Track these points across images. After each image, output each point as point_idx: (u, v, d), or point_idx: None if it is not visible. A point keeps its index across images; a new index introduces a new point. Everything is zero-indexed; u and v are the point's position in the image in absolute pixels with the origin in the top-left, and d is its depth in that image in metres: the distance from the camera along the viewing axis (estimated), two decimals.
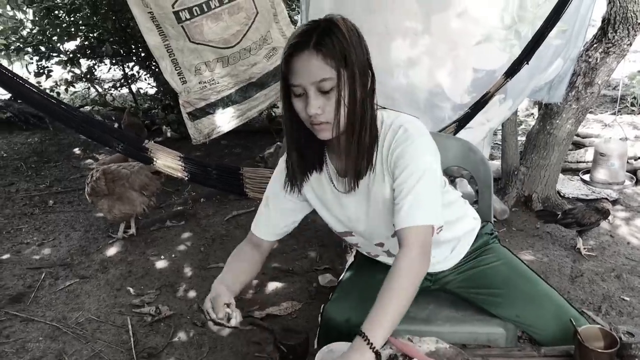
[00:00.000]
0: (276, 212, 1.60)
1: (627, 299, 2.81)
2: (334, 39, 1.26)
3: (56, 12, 5.31)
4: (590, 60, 3.36)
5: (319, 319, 1.68)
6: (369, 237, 1.60)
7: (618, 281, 2.96)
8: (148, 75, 6.09)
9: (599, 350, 1.33)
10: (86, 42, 5.72)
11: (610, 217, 3.28)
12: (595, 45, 3.34)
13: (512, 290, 1.64)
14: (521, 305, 1.62)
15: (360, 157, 1.39)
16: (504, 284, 1.67)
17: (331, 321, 1.62)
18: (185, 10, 2.64)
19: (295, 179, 1.50)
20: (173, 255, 3.36)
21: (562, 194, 3.99)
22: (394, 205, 1.38)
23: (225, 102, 2.93)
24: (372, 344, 1.21)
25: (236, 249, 1.62)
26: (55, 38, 5.41)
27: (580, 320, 1.53)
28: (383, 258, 1.70)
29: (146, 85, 6.50)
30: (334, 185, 1.51)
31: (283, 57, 1.30)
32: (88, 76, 6.16)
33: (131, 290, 3.00)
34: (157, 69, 5.29)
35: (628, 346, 1.38)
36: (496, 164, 4.19)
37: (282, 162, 1.56)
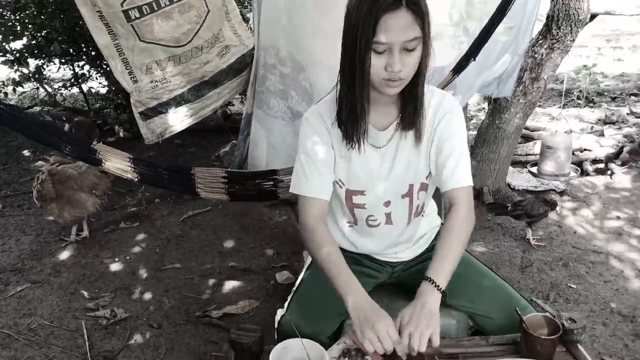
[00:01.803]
0: (324, 169, 1.57)
1: (574, 286, 2.91)
2: None
3: (0, 10, 5.15)
4: (536, 55, 3.46)
5: (276, 319, 1.67)
6: (380, 195, 1.62)
7: (565, 270, 3.07)
8: (99, 74, 5.96)
9: (543, 337, 1.39)
10: (33, 41, 5.57)
11: (557, 208, 3.40)
12: (540, 42, 3.44)
13: (465, 283, 1.68)
14: (472, 296, 1.67)
15: (422, 109, 1.49)
16: (457, 277, 1.70)
17: (286, 335, 1.54)
18: (135, 9, 2.60)
19: (359, 132, 1.50)
20: (128, 257, 3.32)
21: (512, 187, 4.10)
22: (441, 166, 1.52)
23: (178, 101, 2.90)
24: (438, 285, 1.38)
25: (319, 242, 1.52)
26: (0, 37, 5.24)
27: (528, 309, 1.58)
28: (377, 230, 1.70)
29: (97, 84, 6.36)
30: (366, 140, 1.54)
31: (371, 13, 1.29)
32: (37, 76, 6.00)
33: (85, 293, 2.95)
34: (108, 68, 5.18)
35: (570, 332, 1.45)
36: None
37: (309, 119, 1.57)
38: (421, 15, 1.32)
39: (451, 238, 1.47)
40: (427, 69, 1.42)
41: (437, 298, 1.37)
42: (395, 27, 1.30)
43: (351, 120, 1.48)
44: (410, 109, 1.48)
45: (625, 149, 4.41)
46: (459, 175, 1.51)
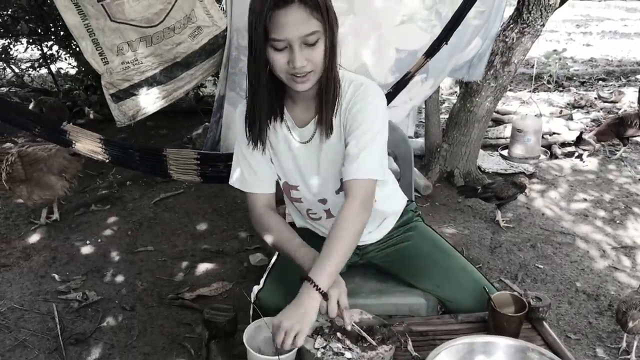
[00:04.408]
0: (260, 165, 1.57)
1: (541, 266, 2.99)
2: None
3: None
4: (507, 40, 3.50)
5: (251, 299, 1.68)
6: (314, 192, 1.61)
7: (533, 250, 3.14)
8: (68, 54, 5.84)
9: (510, 315, 1.43)
10: None
11: (526, 191, 3.47)
12: (511, 26, 3.48)
13: (432, 265, 1.72)
14: (440, 278, 1.70)
15: (334, 104, 1.45)
16: (425, 259, 1.74)
17: (263, 309, 1.56)
18: None
19: (261, 132, 1.49)
20: (99, 240, 3.29)
21: (482, 169, 4.16)
22: (345, 156, 1.45)
23: (150, 82, 2.87)
24: (318, 286, 1.31)
25: (268, 227, 1.54)
26: None
27: (493, 291, 1.62)
28: (321, 223, 1.71)
29: (67, 65, 6.24)
30: (291, 135, 1.54)
31: (262, 11, 1.27)
32: (3, 56, 5.86)
33: (56, 276, 2.92)
34: (77, 49, 5.07)
35: (536, 310, 1.49)
36: (420, 141, 4.31)
37: (242, 117, 1.53)
38: (318, 8, 1.29)
39: (339, 235, 1.38)
40: (337, 61, 1.39)
41: (316, 298, 1.31)
42: (289, 23, 1.27)
43: (251, 120, 1.48)
44: (322, 105, 1.45)
45: (584, 135, 4.48)
46: (359, 166, 1.42)
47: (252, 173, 1.57)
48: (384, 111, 1.48)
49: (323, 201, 1.63)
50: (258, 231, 1.58)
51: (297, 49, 1.30)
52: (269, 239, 1.54)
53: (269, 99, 1.45)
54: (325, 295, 1.32)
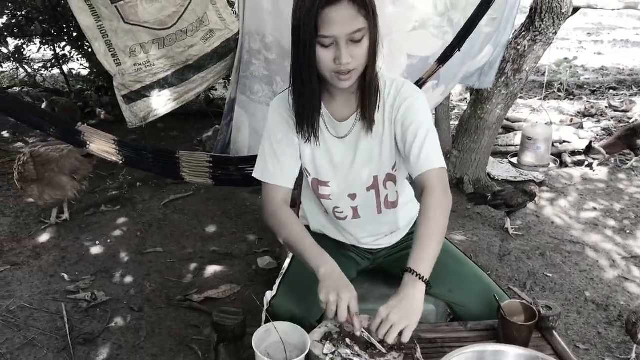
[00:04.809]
0: (286, 157, 1.58)
1: (550, 275, 2.98)
2: None
3: None
4: (518, 47, 3.49)
5: (264, 305, 1.67)
6: (344, 187, 1.63)
7: (542, 259, 3.13)
8: (80, 55, 5.89)
9: (520, 323, 1.43)
10: (13, 20, 5.47)
11: (536, 199, 3.46)
12: (523, 34, 3.48)
13: (445, 270, 1.71)
14: (453, 283, 1.70)
15: (376, 100, 1.49)
16: (437, 264, 1.73)
17: (276, 316, 1.56)
18: None
19: (314, 124, 1.52)
20: (108, 241, 3.31)
21: (492, 177, 4.15)
22: (408, 151, 1.49)
23: (162, 84, 2.88)
24: (421, 275, 1.34)
25: (283, 222, 1.54)
26: None
27: (504, 298, 1.62)
28: (345, 223, 1.72)
29: (79, 65, 6.29)
30: (328, 130, 1.57)
31: (312, 9, 1.30)
32: (16, 56, 5.91)
33: (65, 276, 2.94)
34: (89, 49, 5.11)
35: (546, 319, 1.49)
36: None
37: (276, 110, 1.58)
38: (365, 6, 1.32)
39: (429, 224, 1.41)
40: (377, 58, 1.42)
41: (421, 289, 1.33)
42: (338, 20, 1.31)
43: (302, 115, 1.51)
44: (366, 100, 1.49)
45: (594, 143, 4.46)
46: (426, 158, 1.47)
47: (277, 164, 1.58)
48: (428, 106, 1.55)
49: (352, 196, 1.65)
50: (270, 225, 1.58)
51: (344, 46, 1.34)
52: (281, 234, 1.54)
53: (317, 95, 1.48)
54: (428, 284, 1.34)
